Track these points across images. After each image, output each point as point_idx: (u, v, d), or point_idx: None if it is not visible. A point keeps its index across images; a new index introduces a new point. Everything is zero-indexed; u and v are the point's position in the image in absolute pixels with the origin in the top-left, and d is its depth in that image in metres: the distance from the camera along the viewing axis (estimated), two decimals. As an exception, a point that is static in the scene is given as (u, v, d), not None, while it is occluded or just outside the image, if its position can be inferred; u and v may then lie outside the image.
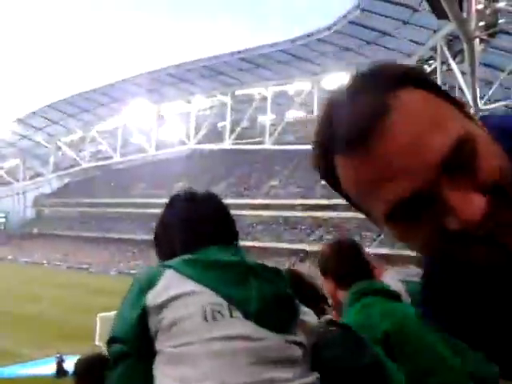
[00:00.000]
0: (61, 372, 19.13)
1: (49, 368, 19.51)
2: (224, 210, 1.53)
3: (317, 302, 2.12)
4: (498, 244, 0.48)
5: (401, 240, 0.58)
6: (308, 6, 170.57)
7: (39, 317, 30.02)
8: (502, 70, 31.84)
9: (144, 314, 1.15)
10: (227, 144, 56.74)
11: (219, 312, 1.15)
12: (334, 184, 0.67)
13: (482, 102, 31.88)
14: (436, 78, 38.16)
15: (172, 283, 1.19)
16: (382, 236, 53.34)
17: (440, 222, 0.49)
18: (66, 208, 79.63)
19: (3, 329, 25.88)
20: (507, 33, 30.30)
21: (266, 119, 53.91)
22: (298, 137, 60.19)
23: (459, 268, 0.59)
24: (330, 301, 2.08)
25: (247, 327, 1.15)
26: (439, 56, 36.21)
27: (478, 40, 26.01)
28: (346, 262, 1.91)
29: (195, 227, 1.40)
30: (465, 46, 24.84)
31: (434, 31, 35.28)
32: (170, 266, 1.24)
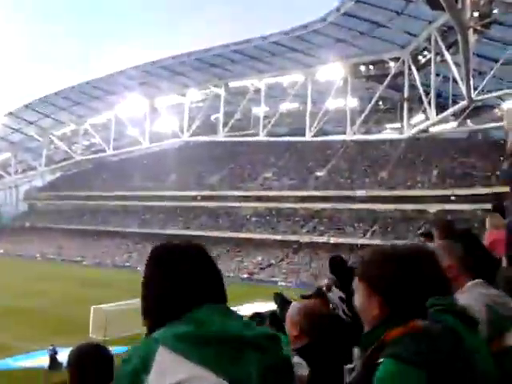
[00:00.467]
0: (54, 364, 19.09)
1: (42, 360, 19.46)
2: (214, 266, 1.47)
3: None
4: None
5: None
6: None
7: (33, 310, 29.94)
8: (496, 61, 31.84)
9: None
10: (221, 136, 56.59)
11: None
12: None
13: (476, 92, 31.93)
14: (430, 69, 38.20)
15: (167, 367, 1.12)
16: (375, 227, 53.53)
17: None
18: (58, 201, 79.27)
19: (-3, 322, 25.81)
20: (501, 23, 30.31)
21: (260, 111, 53.73)
22: (292, 129, 60.12)
23: None
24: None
25: None
26: (433, 47, 36.23)
27: (471, 30, 26.04)
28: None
29: (185, 285, 1.33)
30: (459, 37, 24.83)
31: (429, 22, 35.23)
32: (162, 343, 1.17)
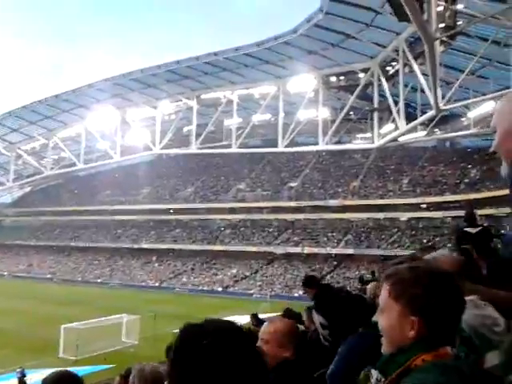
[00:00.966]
0: (23, 387, 18.36)
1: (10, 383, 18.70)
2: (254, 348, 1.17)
3: None
4: None
5: None
6: (270, 9, 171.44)
7: (0, 330, 28.90)
8: (462, 71, 32.61)
9: None
10: (194, 148, 56.26)
11: None
12: None
13: (443, 101, 32.59)
14: (398, 79, 38.89)
15: None
16: (348, 236, 53.90)
17: None
18: (28, 217, 77.45)
19: (-38, 344, 24.80)
20: (466, 34, 31.10)
21: (233, 123, 53.72)
22: (265, 140, 60.29)
23: None
24: None
25: None
26: (401, 58, 36.89)
27: (438, 42, 26.59)
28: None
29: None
30: (426, 48, 25.30)
31: (396, 34, 35.90)
32: None
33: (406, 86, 39.28)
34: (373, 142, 46.57)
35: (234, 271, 55.26)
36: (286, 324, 2.67)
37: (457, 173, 52.27)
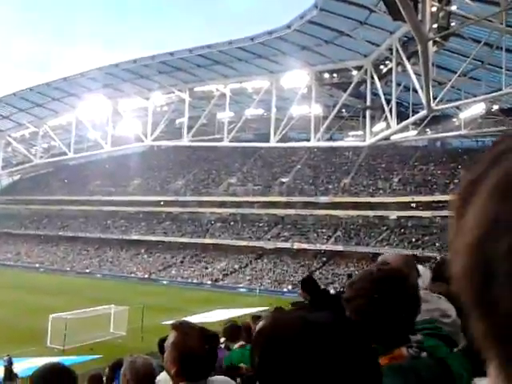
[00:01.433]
0: (9, 375, 18.43)
1: (-3, 372, 18.72)
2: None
3: None
4: None
5: None
6: (264, 5, 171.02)
7: (-12, 319, 28.82)
8: (454, 72, 32.84)
9: None
10: (185, 141, 56.13)
11: None
12: None
13: (435, 102, 32.84)
14: (391, 78, 39.07)
15: None
16: (338, 233, 54.23)
17: None
18: (16, 206, 76.90)
19: None
20: (459, 35, 31.31)
21: (225, 116, 53.63)
22: (257, 134, 60.32)
23: None
24: None
25: None
26: (394, 57, 37.05)
27: (431, 42, 26.76)
28: None
29: None
30: (419, 48, 25.45)
31: (390, 33, 36.02)
32: None
33: (398, 85, 39.49)
34: (364, 140, 46.79)
35: (224, 265, 55.39)
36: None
37: (447, 173, 52.70)
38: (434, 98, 32.56)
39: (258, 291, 45.80)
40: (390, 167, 57.68)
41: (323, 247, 52.95)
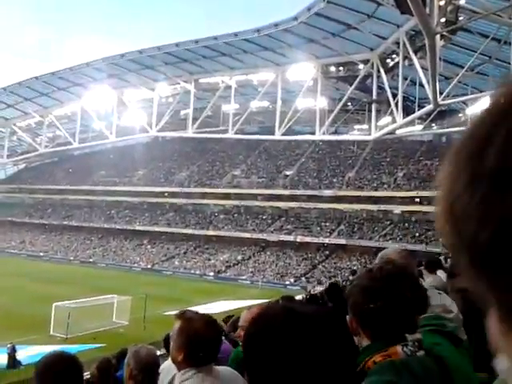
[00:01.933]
0: (13, 363, 18.59)
1: (0, 359, 18.88)
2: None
3: None
4: None
5: None
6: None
7: (-8, 306, 29.04)
8: (462, 67, 32.60)
9: None
10: (190, 132, 56.09)
11: None
12: None
13: (442, 96, 32.63)
14: (398, 72, 38.84)
15: None
16: (341, 227, 54.21)
17: None
18: (21, 194, 77.23)
19: (-47, 319, 24.92)
20: (467, 30, 31.05)
21: (230, 108, 53.51)
22: (262, 127, 60.21)
23: None
24: None
25: None
26: (401, 51, 36.78)
27: (439, 36, 26.56)
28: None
29: None
30: (426, 42, 25.26)
31: (398, 26, 35.76)
32: None
33: (405, 79, 39.22)
34: (369, 134, 46.60)
35: (227, 257, 55.53)
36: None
37: (451, 168, 52.46)
38: (441, 93, 32.33)
39: (260, 283, 45.92)
40: (394, 162, 57.50)
41: (326, 241, 52.97)
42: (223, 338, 3.00)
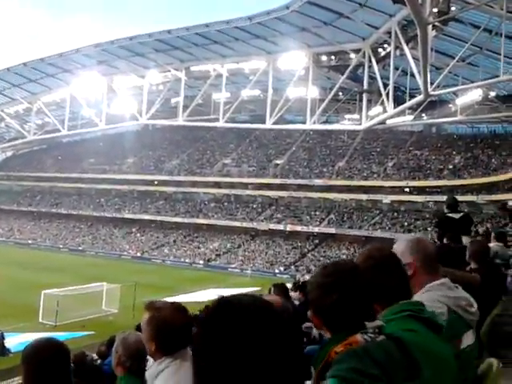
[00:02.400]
0: (1, 350, 18.54)
1: (-11, 346, 18.82)
2: None
3: None
4: None
5: None
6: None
7: (-20, 294, 28.86)
8: (453, 57, 32.65)
9: None
10: (180, 120, 55.77)
11: None
12: None
13: (432, 87, 32.70)
14: (389, 62, 38.82)
15: None
16: (331, 216, 54.43)
17: None
18: (9, 182, 76.50)
19: None
20: (458, 20, 31.07)
21: (221, 97, 53.22)
22: (253, 116, 60.00)
23: None
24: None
25: None
26: (393, 41, 36.76)
27: (431, 26, 26.54)
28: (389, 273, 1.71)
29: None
30: (418, 32, 25.23)
31: (390, 16, 35.68)
32: None
33: (396, 69, 39.23)
34: (360, 124, 46.65)
35: (216, 245, 55.59)
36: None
37: (441, 158, 52.81)
38: (432, 83, 32.40)
39: (249, 272, 46.09)
40: (384, 151, 57.69)
41: (316, 229, 53.19)
42: None
